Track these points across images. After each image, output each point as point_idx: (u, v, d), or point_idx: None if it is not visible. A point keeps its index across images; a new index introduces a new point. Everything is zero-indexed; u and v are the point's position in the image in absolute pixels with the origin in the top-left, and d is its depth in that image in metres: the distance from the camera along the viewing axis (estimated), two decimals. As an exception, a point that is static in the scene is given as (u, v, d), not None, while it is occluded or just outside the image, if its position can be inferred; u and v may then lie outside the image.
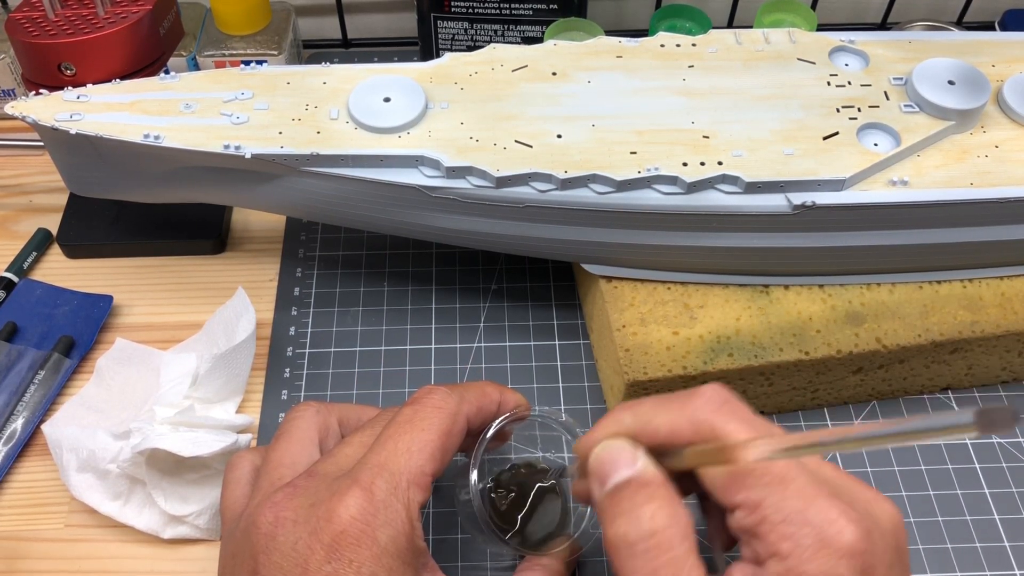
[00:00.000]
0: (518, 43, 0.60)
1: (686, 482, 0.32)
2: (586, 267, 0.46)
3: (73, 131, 0.42)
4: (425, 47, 0.63)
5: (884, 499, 0.31)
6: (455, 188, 0.41)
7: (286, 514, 0.32)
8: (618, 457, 0.32)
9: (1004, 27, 0.64)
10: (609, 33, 0.52)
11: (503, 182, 0.41)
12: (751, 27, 0.52)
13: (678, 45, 0.47)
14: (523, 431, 0.42)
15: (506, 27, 0.60)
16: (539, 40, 0.58)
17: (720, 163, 0.41)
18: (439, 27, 0.61)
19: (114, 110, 0.43)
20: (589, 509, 0.40)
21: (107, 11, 0.48)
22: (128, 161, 0.45)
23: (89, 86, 0.44)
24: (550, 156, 0.41)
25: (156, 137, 0.42)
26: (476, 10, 0.60)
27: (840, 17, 0.70)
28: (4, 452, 0.46)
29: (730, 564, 0.30)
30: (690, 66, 0.46)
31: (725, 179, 0.41)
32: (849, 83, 0.45)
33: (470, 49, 0.60)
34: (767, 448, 0.28)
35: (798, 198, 0.41)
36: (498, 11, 0.59)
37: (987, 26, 0.68)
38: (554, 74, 0.45)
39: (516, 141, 0.42)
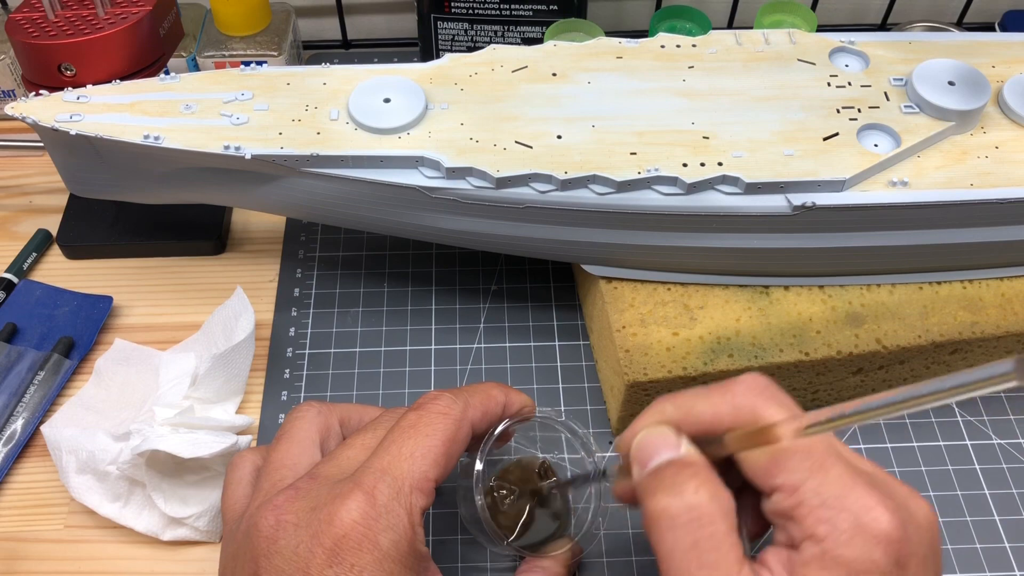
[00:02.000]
0: (518, 44, 0.60)
1: (723, 477, 0.32)
2: (586, 268, 0.46)
3: (73, 132, 0.42)
4: (425, 48, 0.63)
5: (921, 497, 0.31)
6: (455, 189, 0.41)
7: (287, 517, 0.31)
8: (661, 442, 0.32)
9: (1004, 28, 0.64)
10: (609, 34, 0.52)
11: (503, 183, 0.41)
12: (751, 28, 0.52)
13: (678, 46, 0.47)
14: (524, 431, 0.42)
15: (506, 28, 0.60)
16: (539, 41, 0.58)
17: (720, 164, 0.41)
18: (439, 28, 0.61)
19: (114, 111, 0.43)
20: (591, 510, 0.40)
21: (107, 12, 0.48)
22: (128, 162, 0.45)
23: (89, 87, 0.44)
24: (550, 157, 0.41)
25: (156, 138, 0.42)
26: (476, 11, 0.59)
27: (840, 18, 0.70)
28: (4, 453, 0.46)
29: (763, 549, 0.30)
30: (690, 67, 0.46)
31: (725, 180, 0.41)
32: (849, 84, 0.45)
33: (470, 50, 0.60)
34: (806, 422, 0.28)
35: (798, 199, 0.41)
36: (498, 12, 0.59)
37: (987, 27, 0.68)
38: (554, 75, 0.45)
39: (516, 142, 0.42)
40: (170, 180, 0.45)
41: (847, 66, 0.46)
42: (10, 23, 0.48)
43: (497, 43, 0.57)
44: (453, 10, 0.60)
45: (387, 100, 0.43)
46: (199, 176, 0.44)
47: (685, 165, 0.41)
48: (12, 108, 0.43)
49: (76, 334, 0.50)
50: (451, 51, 0.62)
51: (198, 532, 0.43)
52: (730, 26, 0.68)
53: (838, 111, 0.44)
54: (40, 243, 0.55)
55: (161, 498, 0.42)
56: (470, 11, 0.60)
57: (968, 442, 0.47)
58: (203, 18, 0.61)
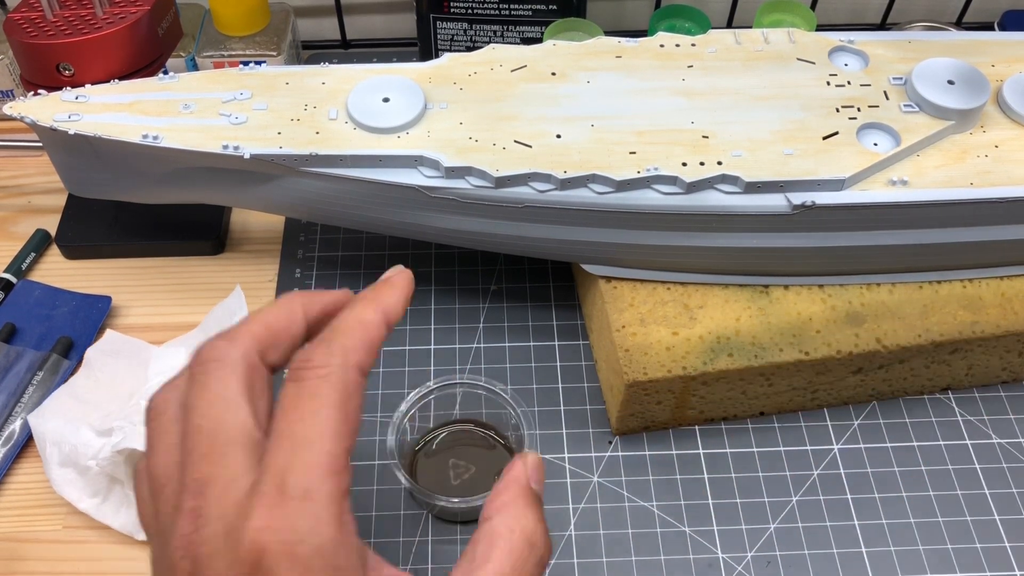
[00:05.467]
0: (517, 43, 0.60)
1: None
2: (585, 267, 0.46)
3: (71, 131, 0.42)
4: (424, 48, 0.63)
5: None
6: (454, 188, 0.41)
7: (201, 550, 0.27)
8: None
9: (1003, 27, 0.64)
10: (608, 33, 0.52)
11: (502, 182, 0.41)
12: (750, 27, 0.52)
13: (677, 45, 0.47)
14: (445, 398, 0.45)
15: (505, 27, 0.60)
16: (538, 40, 0.58)
17: (719, 163, 0.41)
18: (438, 28, 0.61)
19: (113, 110, 0.43)
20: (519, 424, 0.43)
21: (105, 11, 0.48)
22: (127, 161, 0.45)
23: (88, 86, 0.44)
24: (549, 156, 0.41)
25: (155, 137, 0.42)
26: (475, 11, 0.59)
27: (839, 17, 0.70)
28: (3, 453, 0.46)
29: None
30: (689, 66, 0.46)
31: (725, 179, 0.41)
32: (849, 83, 0.45)
33: (469, 50, 0.60)
34: None
35: (798, 198, 0.41)
36: (497, 12, 0.59)
37: (986, 26, 0.68)
38: (553, 74, 0.45)
39: (515, 141, 0.42)
40: (169, 180, 0.45)
41: (847, 65, 0.46)
42: (8, 23, 0.48)
43: (496, 43, 0.57)
44: (452, 10, 0.60)
45: (386, 100, 0.43)
46: (198, 176, 0.44)
47: (684, 164, 0.41)
48: (11, 108, 0.43)
49: (75, 334, 0.50)
50: (450, 51, 0.62)
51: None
52: (729, 25, 0.68)
53: (838, 110, 0.43)
54: (39, 243, 0.55)
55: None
56: (469, 11, 0.60)
57: (968, 441, 0.47)
58: (202, 18, 0.61)
